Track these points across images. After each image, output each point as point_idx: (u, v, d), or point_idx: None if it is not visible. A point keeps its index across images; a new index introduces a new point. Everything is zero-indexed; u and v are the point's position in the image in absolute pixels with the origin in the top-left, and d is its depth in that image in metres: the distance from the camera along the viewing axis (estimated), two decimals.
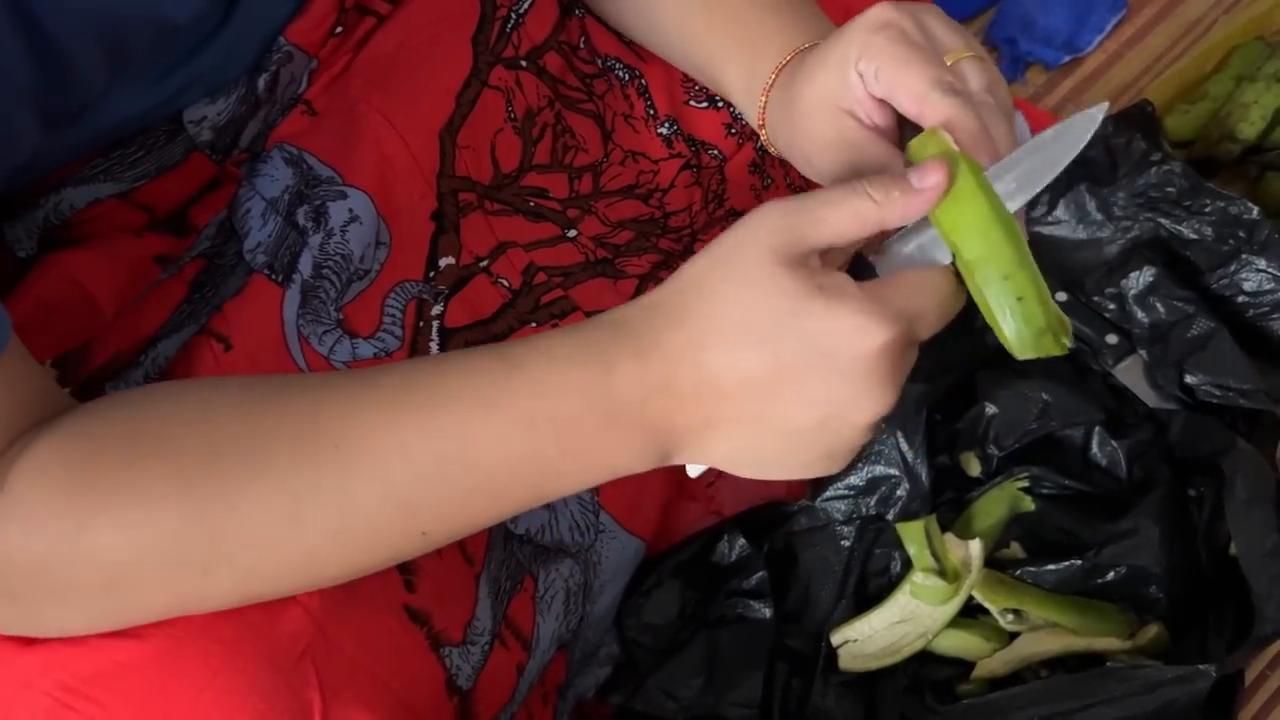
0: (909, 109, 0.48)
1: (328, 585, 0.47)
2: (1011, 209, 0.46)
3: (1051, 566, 0.64)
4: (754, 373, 0.44)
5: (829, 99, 0.51)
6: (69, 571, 0.43)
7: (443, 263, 0.61)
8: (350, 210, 0.59)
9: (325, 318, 0.57)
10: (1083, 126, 0.47)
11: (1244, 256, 0.71)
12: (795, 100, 0.53)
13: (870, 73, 0.49)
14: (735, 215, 0.71)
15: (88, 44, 0.48)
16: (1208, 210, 0.73)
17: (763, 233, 0.44)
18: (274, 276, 0.56)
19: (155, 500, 0.43)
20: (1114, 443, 0.68)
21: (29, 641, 0.47)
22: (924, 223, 0.46)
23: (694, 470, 0.49)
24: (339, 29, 0.62)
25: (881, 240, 0.48)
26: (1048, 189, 0.79)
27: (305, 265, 0.57)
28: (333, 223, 0.58)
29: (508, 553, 0.58)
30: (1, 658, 0.47)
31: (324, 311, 0.57)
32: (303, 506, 0.43)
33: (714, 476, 0.74)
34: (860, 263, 0.49)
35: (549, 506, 0.61)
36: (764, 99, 0.57)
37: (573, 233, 0.66)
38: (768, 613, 0.64)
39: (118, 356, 0.55)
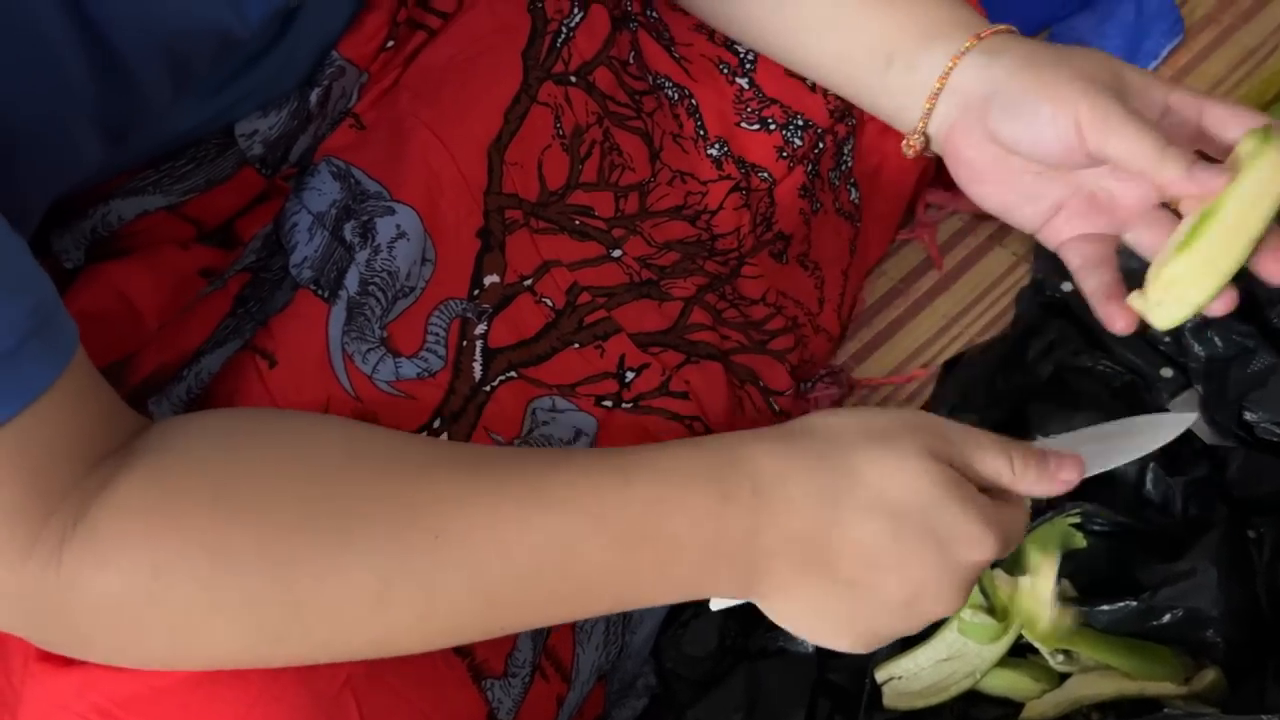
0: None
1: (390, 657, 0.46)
2: (1093, 471, 0.49)
3: (1105, 607, 0.62)
4: (872, 541, 0.45)
5: (1117, 75, 0.49)
6: (138, 614, 0.42)
7: (487, 281, 0.61)
8: (398, 226, 0.58)
9: (370, 336, 0.56)
10: (1171, 426, 0.51)
11: None
12: (1057, 57, 0.50)
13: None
14: (783, 239, 0.70)
15: (151, 59, 0.47)
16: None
17: (922, 428, 0.46)
18: (320, 292, 0.56)
19: (239, 561, 0.42)
20: (1169, 479, 0.66)
21: (66, 664, 0.46)
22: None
23: (717, 604, 0.49)
24: (390, 43, 0.62)
25: None
26: None
27: (352, 282, 0.56)
28: (380, 239, 0.57)
29: None
30: (39, 679, 0.46)
31: (369, 329, 0.56)
32: (391, 589, 0.42)
33: None
34: None
35: None
36: (952, 63, 0.53)
37: (618, 253, 0.65)
38: (810, 647, 0.63)
39: (161, 370, 0.54)
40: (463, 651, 0.50)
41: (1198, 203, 0.47)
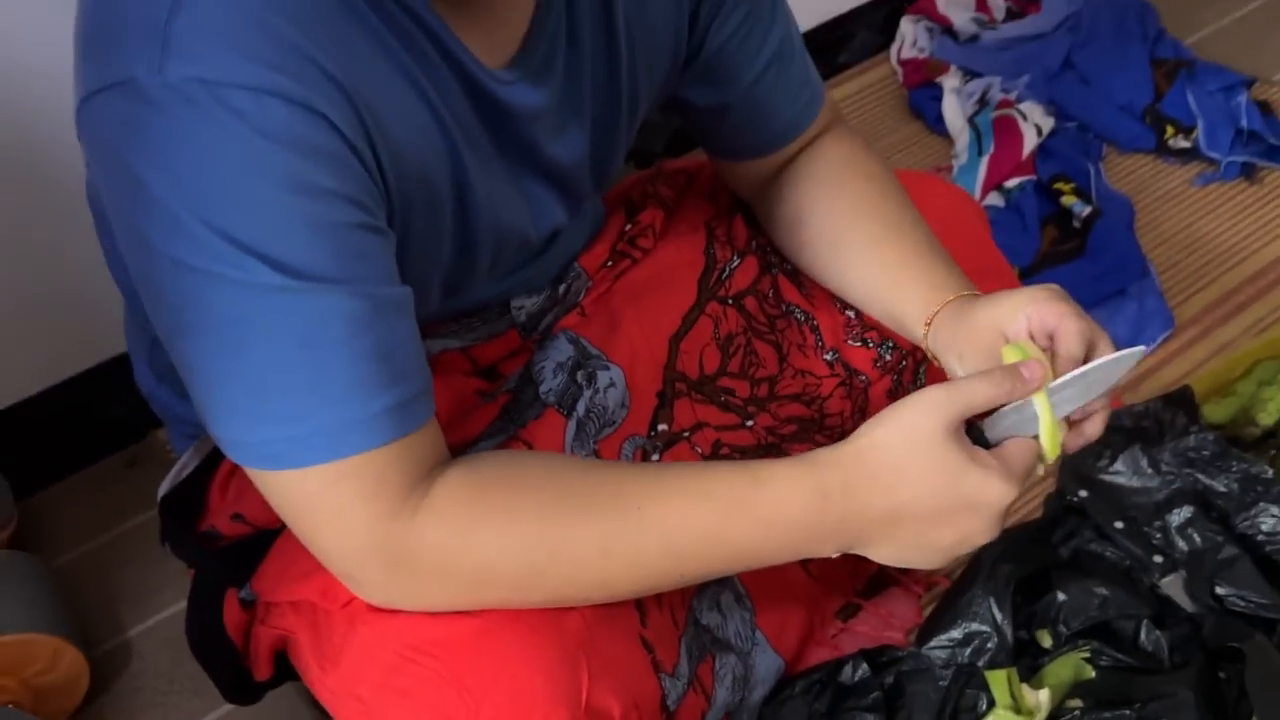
0: (1058, 331, 0.71)
1: (611, 600, 0.67)
2: (1071, 408, 0.69)
3: (1106, 715, 0.81)
4: (924, 513, 0.65)
5: (996, 323, 0.73)
6: (455, 558, 0.63)
7: (659, 428, 0.85)
8: (610, 379, 0.84)
9: (586, 448, 0.81)
10: (1128, 360, 0.69)
11: (1262, 505, 0.92)
12: (968, 317, 0.75)
13: (1036, 315, 0.72)
14: None
15: (486, 247, 0.75)
16: (1234, 470, 0.95)
17: (935, 414, 0.64)
18: (562, 411, 0.81)
19: (521, 520, 0.63)
20: (1159, 632, 0.86)
21: (389, 615, 0.67)
22: (1024, 404, 0.68)
23: None
24: (609, 262, 0.91)
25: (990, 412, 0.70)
26: (1110, 448, 1.01)
27: (580, 408, 0.81)
28: (599, 385, 0.83)
29: (697, 632, 0.77)
30: (369, 624, 0.67)
31: (587, 443, 0.81)
32: (611, 544, 0.64)
33: (838, 630, 0.94)
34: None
35: (722, 613, 0.81)
36: (938, 308, 0.78)
37: (750, 423, 0.90)
38: None
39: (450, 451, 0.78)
40: (648, 647, 0.70)
41: None
